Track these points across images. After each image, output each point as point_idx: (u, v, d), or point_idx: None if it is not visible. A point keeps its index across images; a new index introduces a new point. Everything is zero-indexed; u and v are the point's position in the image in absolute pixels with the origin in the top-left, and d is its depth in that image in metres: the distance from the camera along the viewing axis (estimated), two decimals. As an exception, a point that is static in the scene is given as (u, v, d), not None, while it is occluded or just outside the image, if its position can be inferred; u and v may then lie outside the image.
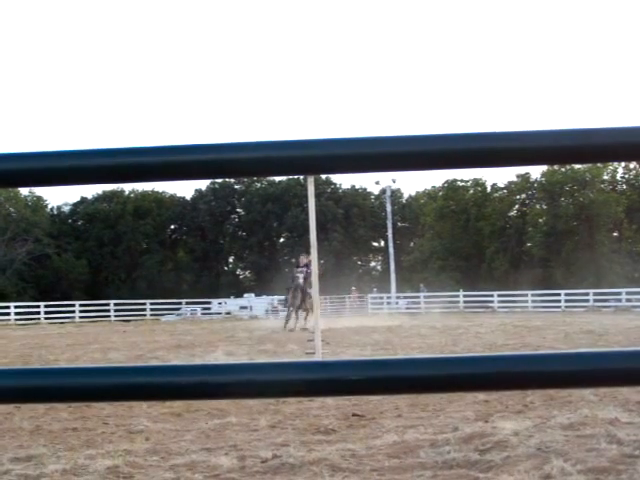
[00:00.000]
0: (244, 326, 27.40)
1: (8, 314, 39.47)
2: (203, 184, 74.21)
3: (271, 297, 49.16)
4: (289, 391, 1.46)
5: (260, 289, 62.12)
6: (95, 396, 1.48)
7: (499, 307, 40.95)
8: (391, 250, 52.59)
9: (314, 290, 12.54)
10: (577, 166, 57.42)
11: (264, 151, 1.39)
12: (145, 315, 44.16)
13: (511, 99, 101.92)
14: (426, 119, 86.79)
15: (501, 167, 1.44)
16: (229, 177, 1.50)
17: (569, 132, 1.37)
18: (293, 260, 25.61)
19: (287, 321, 24.65)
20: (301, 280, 24.46)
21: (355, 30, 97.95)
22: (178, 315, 44.93)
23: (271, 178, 71.77)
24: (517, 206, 64.84)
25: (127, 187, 72.86)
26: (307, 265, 23.87)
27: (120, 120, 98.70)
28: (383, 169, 1.45)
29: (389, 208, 54.49)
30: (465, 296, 43.53)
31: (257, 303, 48.07)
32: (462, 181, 65.76)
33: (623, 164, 60.27)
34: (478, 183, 65.61)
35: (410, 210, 72.75)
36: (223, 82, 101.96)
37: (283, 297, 26.95)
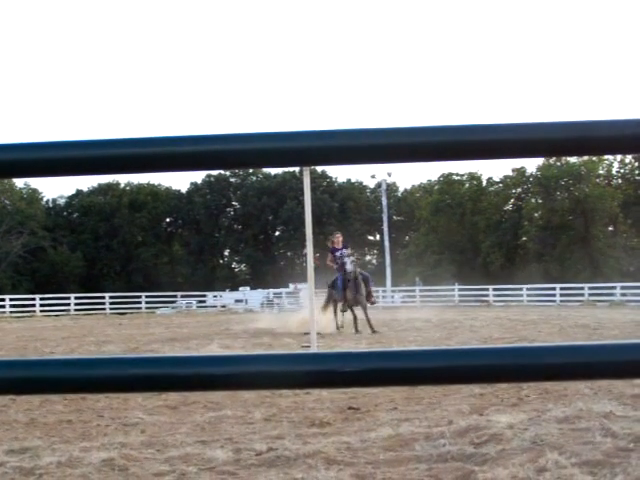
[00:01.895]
0: (239, 319, 27.40)
1: (3, 307, 39.46)
2: (198, 177, 74.22)
3: (266, 290, 49.21)
4: (284, 383, 1.46)
5: (255, 282, 62.15)
6: (90, 387, 1.48)
7: (494, 301, 41.03)
8: (387, 244, 52.63)
9: (309, 283, 12.53)
10: (572, 160, 57.50)
11: (260, 142, 1.39)
12: (140, 308, 44.19)
13: (509, 91, 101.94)
14: (424, 111, 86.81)
15: (498, 159, 1.44)
16: (226, 168, 1.50)
17: (568, 124, 1.37)
18: (327, 244, 19.87)
19: (339, 321, 18.30)
20: (353, 267, 18.07)
21: (351, 21, 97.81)
22: (173, 308, 44.97)
23: (267, 171, 71.80)
24: (512, 200, 64.89)
25: (122, 180, 72.85)
26: (345, 247, 18.75)
27: (115, 111, 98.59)
28: (379, 161, 1.45)
29: (385, 202, 54.50)
30: (460, 290, 43.60)
31: (252, 296, 48.09)
32: (458, 175, 65.80)
33: (619, 158, 60.34)
34: (474, 177, 65.65)
35: (406, 204, 72.74)
36: (219, 74, 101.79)
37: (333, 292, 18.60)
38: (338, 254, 18.29)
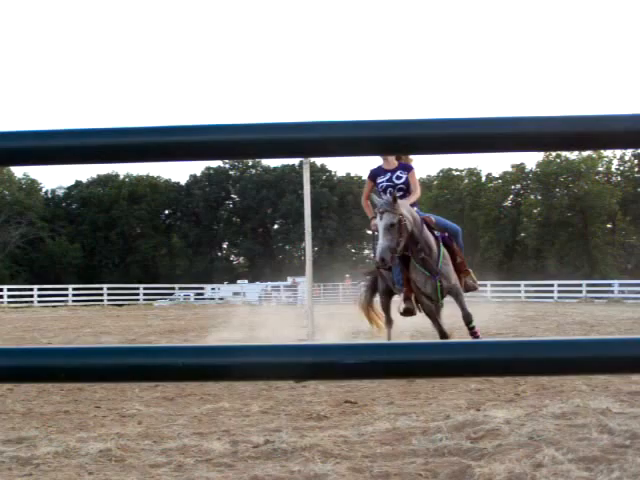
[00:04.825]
0: (237, 312, 27.39)
1: (1, 297, 39.48)
2: (198, 169, 74.21)
3: (265, 283, 49.24)
4: (284, 374, 1.45)
5: (253, 275, 62.19)
6: (87, 377, 1.47)
7: (492, 297, 41.04)
8: (385, 238, 52.52)
9: (308, 277, 12.49)
10: (572, 157, 57.50)
11: (259, 133, 1.38)
12: (138, 300, 44.22)
13: (510, 85, 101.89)
14: (425, 104, 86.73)
15: (498, 152, 1.44)
16: (225, 159, 1.50)
17: (570, 119, 1.36)
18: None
19: None
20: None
21: (350, 12, 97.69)
22: (171, 300, 45.00)
23: (266, 164, 71.76)
24: (512, 196, 64.93)
25: (122, 171, 72.82)
26: (407, 167, 9.09)
27: (116, 101, 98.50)
28: (379, 153, 1.44)
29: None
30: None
31: (250, 289, 48.12)
32: (457, 170, 65.81)
33: (618, 156, 60.36)
34: (473, 173, 65.65)
35: (405, 198, 72.63)
36: (219, 65, 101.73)
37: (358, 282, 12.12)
38: (384, 181, 9.13)
